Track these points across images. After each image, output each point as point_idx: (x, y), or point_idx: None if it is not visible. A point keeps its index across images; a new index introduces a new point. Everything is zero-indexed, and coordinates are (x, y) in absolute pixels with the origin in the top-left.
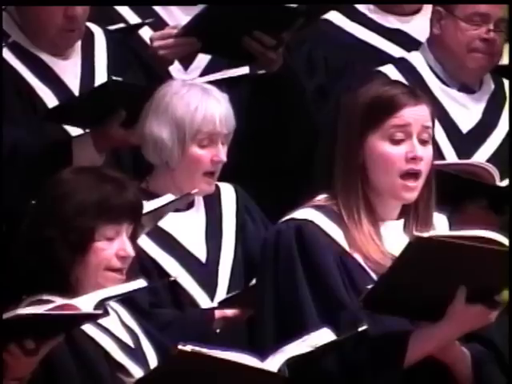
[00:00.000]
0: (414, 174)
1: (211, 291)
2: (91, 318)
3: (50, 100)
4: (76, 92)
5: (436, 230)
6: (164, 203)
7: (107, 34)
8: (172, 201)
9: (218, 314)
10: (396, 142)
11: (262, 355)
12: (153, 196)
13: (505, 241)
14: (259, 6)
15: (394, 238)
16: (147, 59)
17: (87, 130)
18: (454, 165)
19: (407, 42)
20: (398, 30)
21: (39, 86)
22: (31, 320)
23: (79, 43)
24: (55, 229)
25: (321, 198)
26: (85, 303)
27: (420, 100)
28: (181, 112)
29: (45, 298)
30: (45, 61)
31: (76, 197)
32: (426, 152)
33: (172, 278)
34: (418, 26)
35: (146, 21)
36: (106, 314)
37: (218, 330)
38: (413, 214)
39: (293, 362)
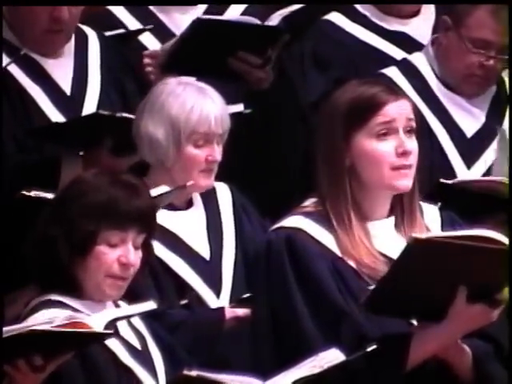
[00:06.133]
0: (405, 166)
1: (217, 288)
2: (101, 337)
3: (41, 98)
4: (67, 91)
5: (427, 222)
6: (158, 193)
7: (101, 37)
8: (166, 192)
9: (228, 313)
10: (383, 138)
11: (263, 369)
12: None
13: (503, 239)
14: (241, 27)
15: (384, 237)
16: (137, 67)
17: (80, 153)
18: (475, 182)
19: (408, 43)
20: (398, 32)
21: (29, 84)
22: (41, 336)
23: (72, 44)
24: (60, 228)
25: (309, 203)
26: (96, 322)
27: (400, 95)
28: (176, 111)
29: (53, 298)
30: (35, 59)
31: (84, 198)
32: (413, 144)
33: (183, 302)
34: (418, 27)
35: (147, 27)
36: (116, 334)
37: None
38: (399, 209)
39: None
